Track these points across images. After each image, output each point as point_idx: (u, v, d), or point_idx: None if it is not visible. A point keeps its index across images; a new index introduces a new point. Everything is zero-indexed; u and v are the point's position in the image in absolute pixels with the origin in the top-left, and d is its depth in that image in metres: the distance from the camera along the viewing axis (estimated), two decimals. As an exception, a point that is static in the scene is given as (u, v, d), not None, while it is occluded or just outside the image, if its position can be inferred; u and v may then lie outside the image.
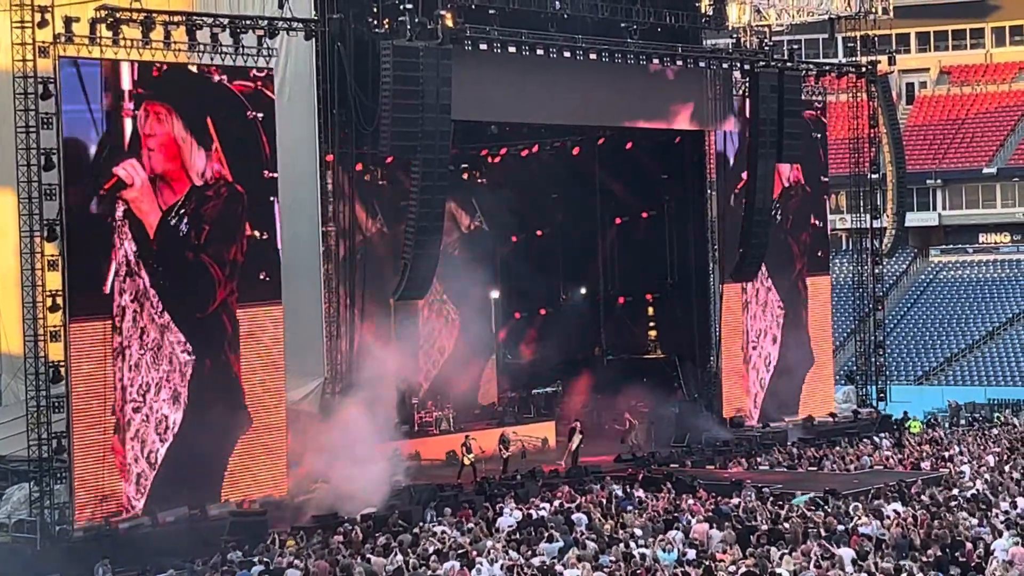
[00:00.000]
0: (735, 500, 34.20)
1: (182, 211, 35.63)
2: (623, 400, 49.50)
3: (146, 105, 34.89)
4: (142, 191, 34.91)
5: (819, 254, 53.63)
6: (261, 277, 37.01)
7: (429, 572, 27.44)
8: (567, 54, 42.39)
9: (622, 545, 28.32)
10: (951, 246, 78.60)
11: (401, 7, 38.12)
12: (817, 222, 53.26)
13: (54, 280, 33.50)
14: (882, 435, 48.61)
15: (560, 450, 46.43)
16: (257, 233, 36.92)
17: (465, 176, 50.98)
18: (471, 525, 32.19)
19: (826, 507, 32.25)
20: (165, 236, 35.31)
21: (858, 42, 54.99)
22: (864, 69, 54.19)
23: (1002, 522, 29.20)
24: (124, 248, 34.57)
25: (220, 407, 36.06)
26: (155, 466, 34.94)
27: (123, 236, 34.56)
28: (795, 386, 51.59)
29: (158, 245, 35.13)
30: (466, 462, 41.63)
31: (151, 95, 35.00)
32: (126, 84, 34.64)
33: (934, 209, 77.89)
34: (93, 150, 34.21)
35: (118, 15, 34.67)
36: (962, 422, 55.43)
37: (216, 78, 36.25)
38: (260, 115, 36.85)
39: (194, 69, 36.06)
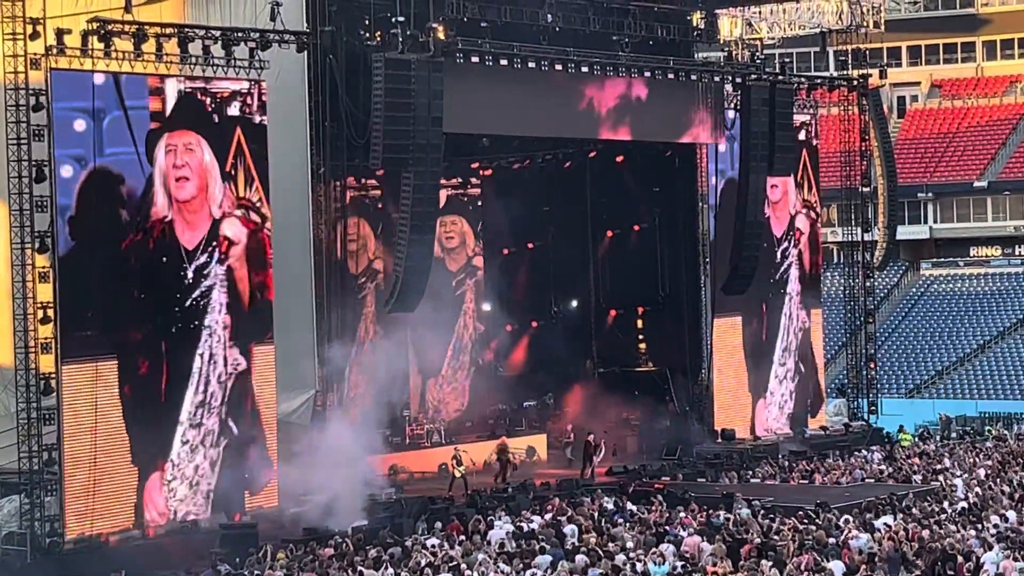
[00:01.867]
0: (726, 513, 34.19)
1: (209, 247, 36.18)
2: (614, 413, 49.58)
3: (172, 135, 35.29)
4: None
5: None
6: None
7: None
8: (559, 67, 42.42)
9: (614, 558, 28.32)
10: (942, 259, 78.68)
11: (393, 20, 38.17)
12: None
13: (45, 292, 33.49)
14: (873, 448, 48.64)
15: (552, 462, 46.53)
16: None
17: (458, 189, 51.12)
18: (463, 538, 32.17)
19: (817, 520, 32.24)
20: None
21: (849, 56, 55.07)
22: (855, 82, 54.28)
23: (993, 535, 29.22)
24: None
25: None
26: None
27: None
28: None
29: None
30: (456, 475, 41.58)
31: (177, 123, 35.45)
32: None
33: (925, 222, 77.98)
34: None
35: (110, 27, 34.71)
36: (953, 435, 55.46)
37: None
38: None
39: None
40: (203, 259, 35.94)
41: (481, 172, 52.15)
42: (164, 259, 35.34)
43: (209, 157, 36.02)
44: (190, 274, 35.69)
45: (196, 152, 35.77)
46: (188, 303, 35.66)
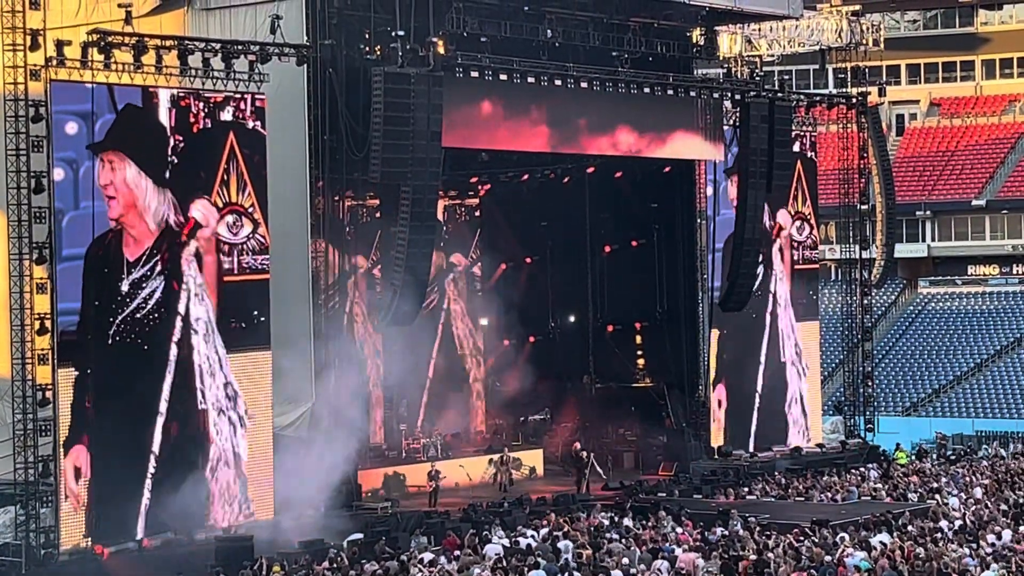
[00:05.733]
0: (722, 530, 34.18)
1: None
2: (611, 428, 49.57)
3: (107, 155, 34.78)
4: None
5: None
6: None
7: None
8: (558, 82, 42.44)
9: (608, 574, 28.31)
10: (940, 277, 78.71)
11: (393, 34, 38.22)
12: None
13: (42, 303, 33.48)
14: (870, 466, 48.61)
15: (549, 477, 46.57)
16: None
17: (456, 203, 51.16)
18: (458, 552, 32.14)
19: (813, 537, 32.20)
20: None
21: (849, 73, 55.21)
22: (854, 100, 54.35)
23: (989, 554, 29.20)
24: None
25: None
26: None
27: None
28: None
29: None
30: (428, 489, 41.27)
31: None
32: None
33: (923, 240, 78.03)
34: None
35: (110, 39, 34.74)
36: (949, 453, 55.44)
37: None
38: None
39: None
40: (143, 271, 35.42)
41: (480, 187, 52.19)
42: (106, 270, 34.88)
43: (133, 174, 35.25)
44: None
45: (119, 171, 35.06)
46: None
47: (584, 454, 44.72)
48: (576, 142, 45.45)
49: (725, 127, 48.80)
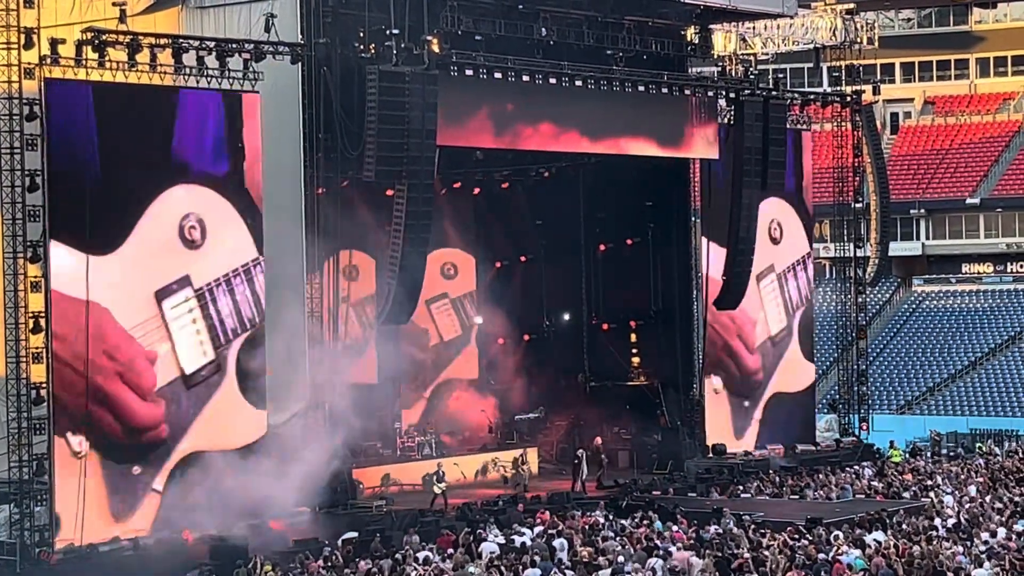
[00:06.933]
0: (716, 528, 34.19)
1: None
2: (606, 427, 49.55)
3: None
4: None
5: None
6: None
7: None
8: (553, 80, 42.43)
9: (602, 572, 28.33)
10: (934, 276, 78.74)
11: (388, 32, 38.21)
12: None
13: (36, 302, 33.48)
14: (864, 464, 48.64)
15: (543, 475, 46.57)
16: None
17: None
18: (451, 551, 32.15)
19: (808, 536, 32.22)
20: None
21: (843, 72, 55.16)
22: (849, 98, 54.34)
23: (983, 552, 29.24)
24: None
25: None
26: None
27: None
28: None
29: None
30: (436, 491, 41.14)
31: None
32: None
33: (917, 239, 78.05)
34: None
35: (104, 37, 34.71)
36: (944, 451, 55.50)
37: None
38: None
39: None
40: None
41: (475, 185, 52.14)
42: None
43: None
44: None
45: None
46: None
47: (579, 453, 44.71)
48: (570, 142, 45.41)
49: (720, 125, 48.75)
